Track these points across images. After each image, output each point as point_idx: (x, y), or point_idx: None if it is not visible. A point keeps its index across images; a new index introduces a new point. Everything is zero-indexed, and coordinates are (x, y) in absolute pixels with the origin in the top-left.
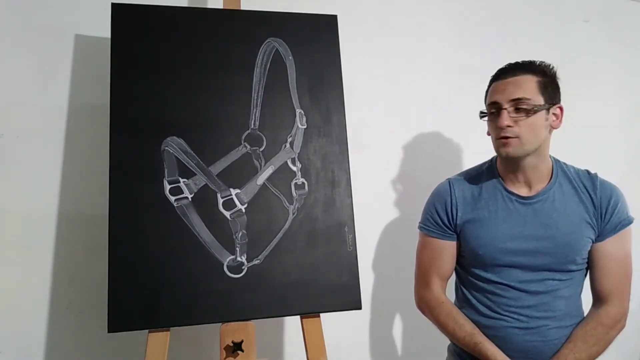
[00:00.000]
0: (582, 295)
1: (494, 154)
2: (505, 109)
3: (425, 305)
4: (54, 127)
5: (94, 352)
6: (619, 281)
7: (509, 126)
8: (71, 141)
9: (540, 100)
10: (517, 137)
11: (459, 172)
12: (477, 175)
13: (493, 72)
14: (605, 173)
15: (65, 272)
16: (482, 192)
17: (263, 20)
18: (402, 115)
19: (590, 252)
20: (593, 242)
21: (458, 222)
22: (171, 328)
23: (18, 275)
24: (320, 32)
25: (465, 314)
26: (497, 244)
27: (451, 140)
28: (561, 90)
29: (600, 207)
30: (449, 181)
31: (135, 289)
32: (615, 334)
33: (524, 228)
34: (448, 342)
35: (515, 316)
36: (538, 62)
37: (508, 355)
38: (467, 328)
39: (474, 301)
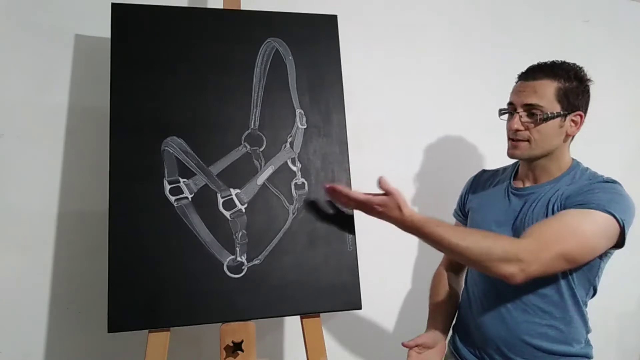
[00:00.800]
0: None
1: (493, 153)
2: (518, 112)
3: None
4: (54, 127)
5: (94, 352)
6: (539, 231)
7: (518, 130)
8: (71, 141)
9: (556, 107)
10: (527, 140)
11: (459, 172)
12: (503, 171)
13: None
14: (605, 172)
15: (65, 272)
16: (494, 184)
17: (263, 20)
18: (402, 116)
19: None
20: None
21: (467, 203)
22: (171, 328)
23: (18, 275)
24: (320, 32)
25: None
26: (483, 228)
27: (452, 140)
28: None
29: (577, 191)
30: (478, 173)
31: (135, 289)
32: (497, 256)
33: (506, 217)
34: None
35: (490, 304)
36: (565, 64)
37: (479, 345)
38: (433, 299)
39: (469, 292)
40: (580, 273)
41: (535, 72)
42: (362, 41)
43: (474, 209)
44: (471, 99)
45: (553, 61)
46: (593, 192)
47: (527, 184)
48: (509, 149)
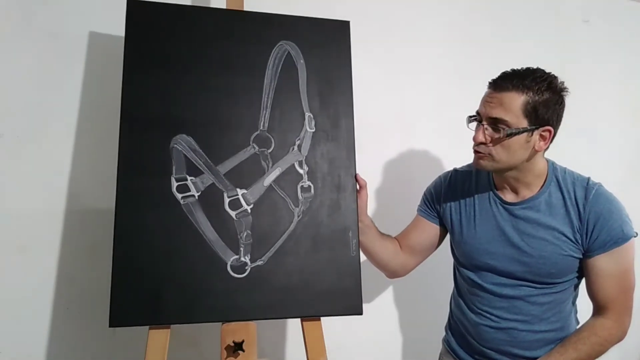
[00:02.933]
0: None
1: None
2: (483, 125)
3: None
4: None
5: (94, 351)
6: (616, 297)
7: (482, 143)
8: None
9: (522, 122)
10: (488, 154)
11: None
12: (477, 173)
13: (493, 73)
14: (605, 173)
15: (66, 272)
16: (473, 191)
17: (276, 23)
18: (402, 116)
19: (581, 265)
20: (582, 258)
21: (443, 208)
22: (172, 327)
23: (19, 274)
24: (332, 37)
25: (454, 311)
26: (476, 243)
27: (457, 143)
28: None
29: (588, 222)
30: (450, 173)
31: (137, 285)
32: (609, 346)
33: (502, 232)
34: None
35: (487, 315)
36: (538, 75)
37: (481, 349)
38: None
39: (463, 305)
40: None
41: (505, 82)
42: (362, 44)
43: (461, 220)
44: (472, 99)
45: (527, 69)
46: (608, 223)
47: (508, 195)
48: (474, 160)
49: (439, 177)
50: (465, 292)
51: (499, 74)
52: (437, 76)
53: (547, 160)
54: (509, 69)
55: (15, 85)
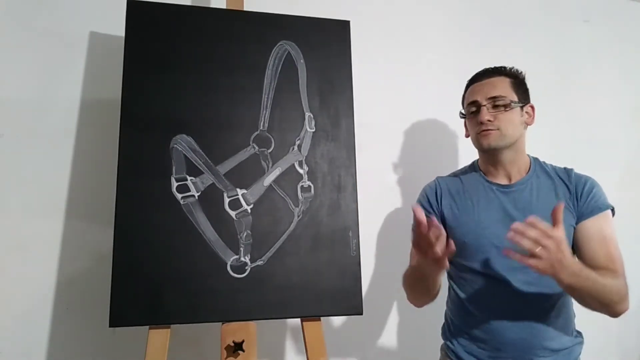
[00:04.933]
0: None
1: None
2: (484, 105)
3: (403, 280)
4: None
5: (94, 351)
6: (610, 258)
7: (489, 120)
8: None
9: (514, 97)
10: (497, 129)
11: None
12: (462, 173)
13: (469, 78)
14: (605, 172)
15: (66, 271)
16: (465, 185)
17: (276, 23)
18: (402, 117)
19: (574, 236)
20: (575, 226)
21: (443, 208)
22: (172, 327)
23: (19, 274)
24: (332, 37)
25: (452, 315)
26: (480, 230)
27: (457, 143)
28: (561, 90)
29: (576, 192)
30: (436, 180)
31: (138, 285)
32: (620, 291)
33: (504, 213)
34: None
35: (505, 306)
36: (509, 67)
37: (498, 348)
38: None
39: (467, 304)
40: None
41: (487, 73)
42: (362, 44)
43: (459, 213)
44: None
45: (495, 66)
46: (592, 191)
47: (502, 179)
48: (481, 140)
49: (425, 189)
50: (469, 292)
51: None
52: (437, 76)
53: (527, 155)
54: (480, 70)
55: (15, 85)
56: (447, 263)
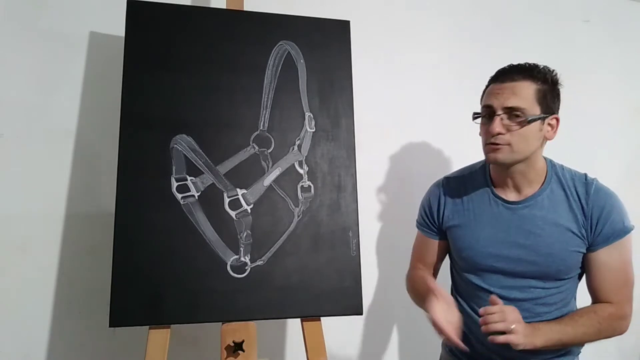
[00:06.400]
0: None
1: None
2: (499, 115)
3: (408, 281)
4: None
5: (94, 351)
6: (618, 289)
7: (500, 133)
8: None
9: (536, 110)
10: (508, 144)
11: None
12: (470, 175)
13: (494, 73)
14: (605, 173)
15: (66, 271)
16: (471, 194)
17: (276, 23)
18: (402, 117)
19: (583, 260)
20: (585, 253)
21: (444, 224)
22: (172, 327)
23: (19, 274)
24: (332, 37)
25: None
26: (479, 247)
27: (457, 143)
28: (561, 90)
29: (592, 217)
30: (442, 182)
31: (137, 285)
32: (608, 330)
33: (507, 234)
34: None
35: None
36: (541, 67)
37: (487, 353)
38: (425, 279)
39: (465, 305)
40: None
41: (512, 74)
42: (361, 44)
43: (460, 226)
44: (472, 99)
45: (527, 63)
46: (610, 216)
47: (510, 194)
48: (489, 153)
49: (431, 188)
50: (468, 295)
51: (497, 69)
52: (437, 76)
53: (545, 158)
54: (507, 65)
55: (15, 85)
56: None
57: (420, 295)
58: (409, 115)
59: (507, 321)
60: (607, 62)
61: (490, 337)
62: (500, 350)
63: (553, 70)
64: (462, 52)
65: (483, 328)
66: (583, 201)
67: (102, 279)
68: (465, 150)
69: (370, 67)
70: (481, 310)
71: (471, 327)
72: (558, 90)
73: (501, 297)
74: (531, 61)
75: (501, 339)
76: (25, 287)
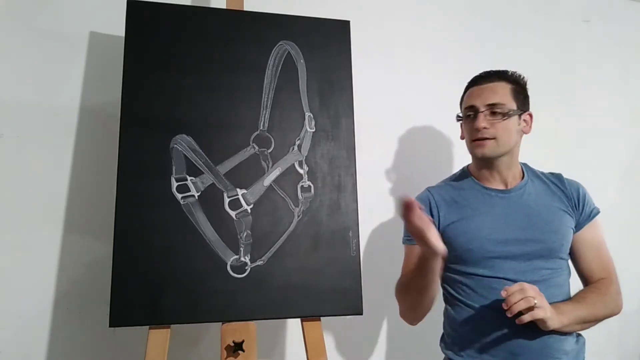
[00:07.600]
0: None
1: None
2: (482, 112)
3: (396, 285)
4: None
5: (94, 351)
6: (605, 265)
7: (485, 128)
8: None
9: (513, 105)
10: (493, 138)
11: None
12: (454, 180)
13: (469, 80)
14: (605, 173)
15: (66, 271)
16: (461, 193)
17: (276, 23)
18: (401, 116)
19: (572, 244)
20: (574, 232)
21: (441, 223)
22: (172, 327)
23: (19, 274)
24: (332, 37)
25: (458, 327)
26: (484, 235)
27: (457, 143)
28: (561, 89)
29: (572, 198)
30: (428, 190)
31: (138, 285)
32: (612, 304)
33: (507, 219)
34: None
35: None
36: (511, 72)
37: (513, 353)
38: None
39: (475, 305)
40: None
41: (489, 77)
42: (362, 41)
43: (459, 222)
44: None
45: (497, 69)
46: (585, 197)
47: (498, 185)
48: (475, 149)
49: (418, 197)
50: (478, 294)
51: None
52: (437, 76)
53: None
54: (482, 72)
55: (15, 85)
56: (442, 245)
57: (410, 274)
58: (409, 115)
59: (528, 296)
60: (607, 62)
61: (518, 320)
62: (508, 343)
63: (521, 75)
64: (462, 52)
65: (507, 312)
66: (561, 187)
67: (102, 278)
68: (465, 150)
69: (370, 67)
70: (503, 293)
71: (484, 330)
72: (527, 91)
73: (515, 281)
74: (531, 61)
75: (527, 317)
76: (25, 287)
